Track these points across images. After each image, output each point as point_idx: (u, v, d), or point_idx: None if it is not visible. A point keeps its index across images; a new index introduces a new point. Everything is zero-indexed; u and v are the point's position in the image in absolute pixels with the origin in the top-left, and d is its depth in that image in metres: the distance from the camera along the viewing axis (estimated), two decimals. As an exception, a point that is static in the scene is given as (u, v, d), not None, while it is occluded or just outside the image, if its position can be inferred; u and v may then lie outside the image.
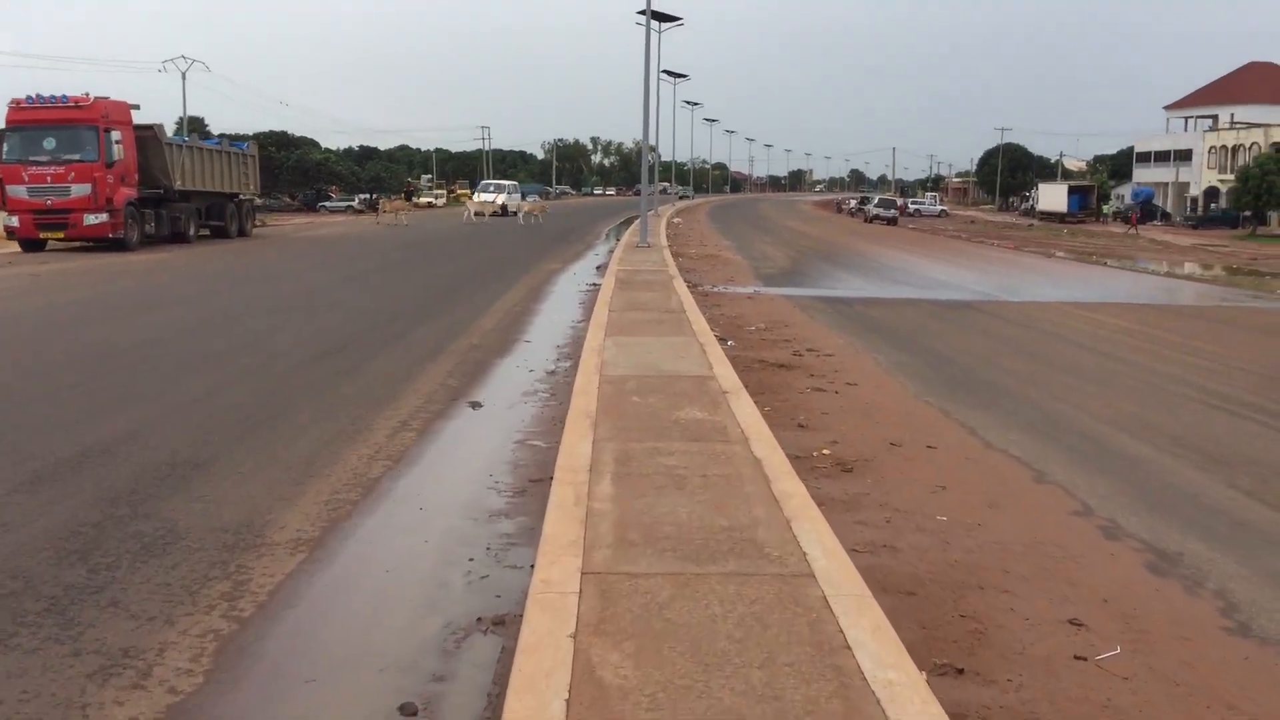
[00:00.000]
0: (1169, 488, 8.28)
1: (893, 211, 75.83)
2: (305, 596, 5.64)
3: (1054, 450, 9.30)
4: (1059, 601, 5.82)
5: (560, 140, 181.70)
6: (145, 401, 10.16)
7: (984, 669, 4.93)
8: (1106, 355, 15.28)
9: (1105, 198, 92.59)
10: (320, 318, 16.59)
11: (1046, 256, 41.40)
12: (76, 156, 28.88)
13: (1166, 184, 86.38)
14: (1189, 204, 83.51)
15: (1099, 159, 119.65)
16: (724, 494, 6.48)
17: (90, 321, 15.92)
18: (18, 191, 28.93)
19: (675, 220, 62.79)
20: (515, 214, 58.27)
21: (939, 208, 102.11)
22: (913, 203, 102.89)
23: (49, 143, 28.96)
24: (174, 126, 71.50)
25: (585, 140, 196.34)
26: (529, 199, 75.99)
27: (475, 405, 10.49)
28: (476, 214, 57.62)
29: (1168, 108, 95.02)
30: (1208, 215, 75.92)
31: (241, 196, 39.00)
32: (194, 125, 78.51)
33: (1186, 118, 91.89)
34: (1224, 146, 79.48)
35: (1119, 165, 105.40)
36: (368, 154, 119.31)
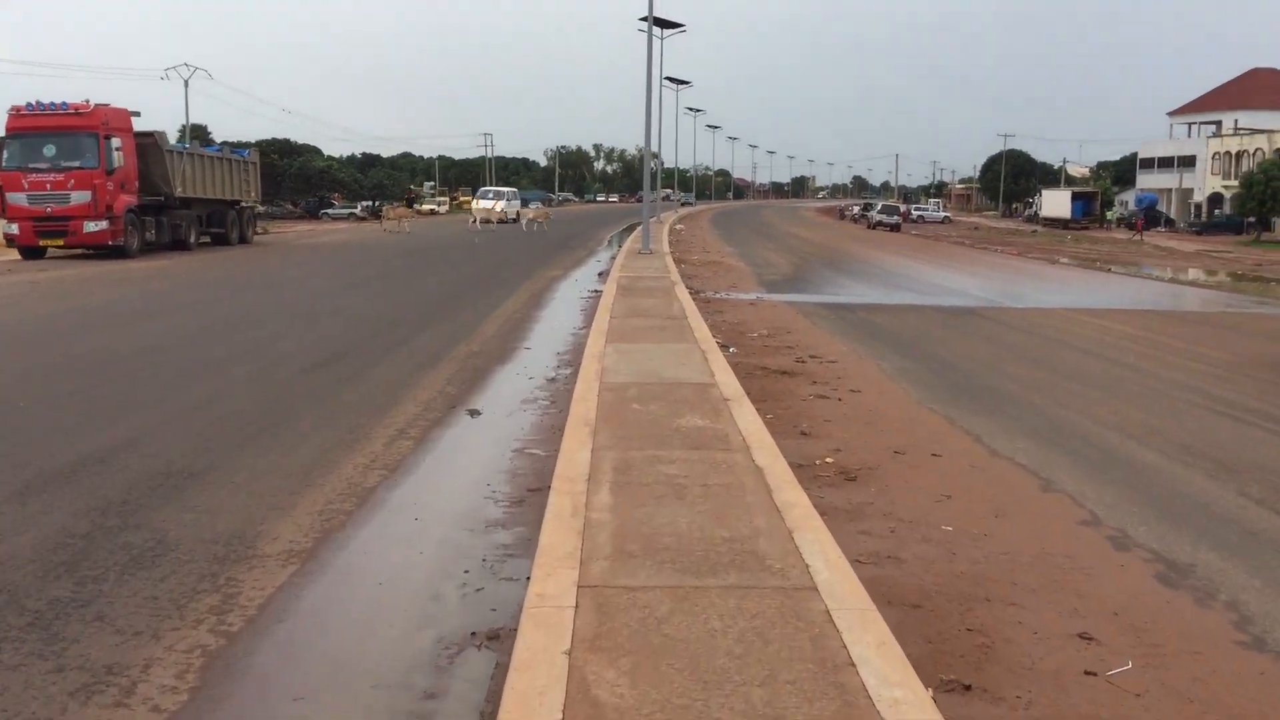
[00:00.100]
0: (1178, 496, 8.14)
1: (896, 218, 75.74)
2: (296, 610, 5.51)
3: (1060, 458, 9.16)
4: (1068, 614, 5.68)
5: (563, 147, 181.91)
6: (143, 409, 10.05)
7: (992, 685, 4.79)
8: (1112, 361, 15.14)
9: (1109, 204, 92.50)
10: (321, 325, 16.48)
11: (1050, 263, 41.25)
12: (77, 164, 28.81)
13: (1170, 190, 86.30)
14: (1193, 210, 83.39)
15: (1102, 165, 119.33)
16: (725, 504, 6.35)
17: (89, 329, 15.82)
18: (17, 199, 28.87)
19: (678, 227, 62.72)
20: (518, 220, 58.17)
21: (942, 214, 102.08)
22: (916, 209, 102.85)
23: (49, 150, 28.89)
24: (177, 134, 71.55)
25: (588, 147, 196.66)
26: (532, 206, 75.92)
27: (474, 413, 10.37)
28: (483, 221, 57.51)
29: (1171, 114, 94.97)
30: (1212, 221, 75.77)
31: (243, 204, 38.95)
32: (197, 132, 78.57)
33: (1190, 124, 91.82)
34: (1228, 152, 79.38)
35: (1122, 171, 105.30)
36: (370, 161, 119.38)
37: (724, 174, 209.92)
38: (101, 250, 29.61)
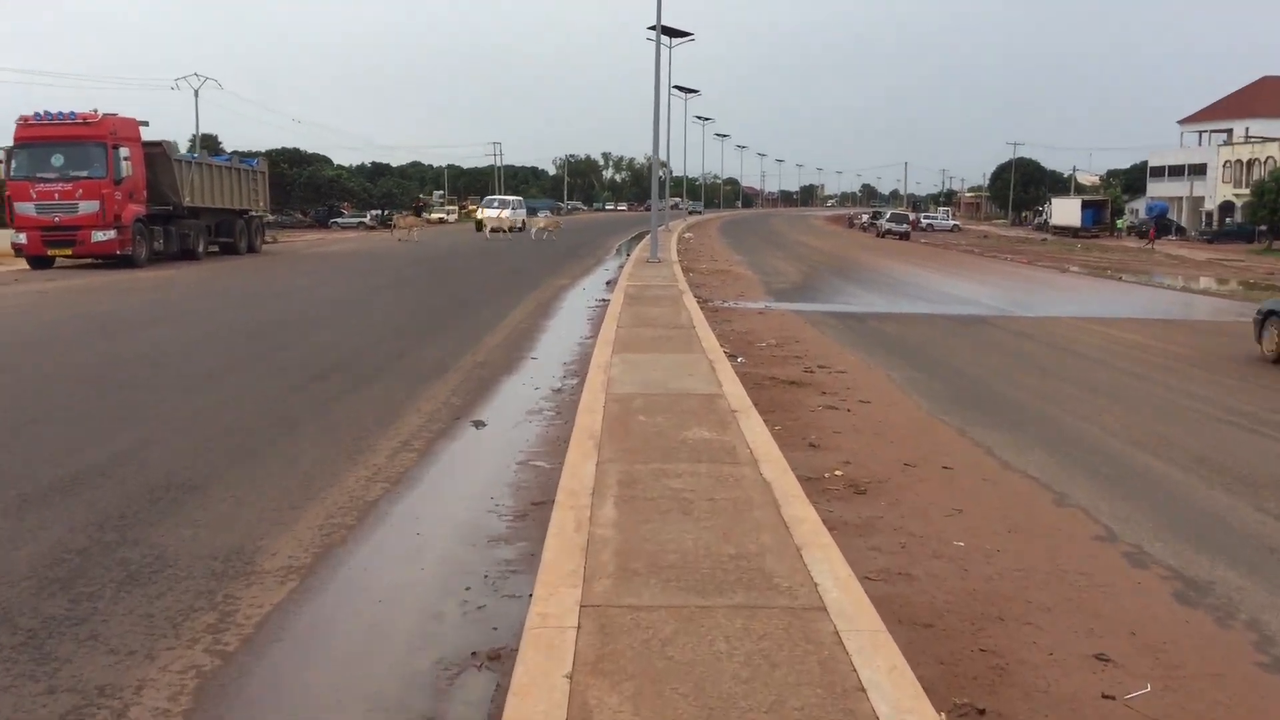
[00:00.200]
0: (1195, 511, 7.98)
1: (905, 226, 75.53)
2: (293, 629, 5.40)
3: (1074, 471, 9.01)
4: (1084, 634, 5.53)
5: (572, 156, 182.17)
6: (145, 420, 9.96)
7: (1006, 709, 4.66)
8: (1124, 371, 14.97)
9: (1119, 212, 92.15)
10: (326, 334, 16.39)
11: (1060, 271, 41.04)
12: (85, 173, 28.80)
13: (1181, 198, 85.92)
14: (1203, 219, 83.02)
15: (1112, 173, 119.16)
16: (732, 519, 6.22)
17: (94, 339, 15.75)
18: (26, 208, 28.86)
19: (686, 235, 62.63)
20: (524, 230, 58.12)
21: (951, 222, 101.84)
22: (925, 217, 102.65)
23: (57, 159, 28.89)
24: (187, 143, 71.82)
25: (597, 156, 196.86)
26: (540, 215, 75.88)
27: (479, 424, 10.26)
28: (493, 230, 57.48)
29: (1182, 122, 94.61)
30: (1223, 230, 75.41)
31: (251, 213, 38.93)
32: (207, 142, 78.82)
33: (1201, 132, 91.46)
34: (1239, 161, 79.04)
35: (1133, 180, 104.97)
36: (380, 170, 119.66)
37: (732, 182, 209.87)
38: (109, 260, 29.58)
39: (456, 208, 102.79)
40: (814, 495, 7.51)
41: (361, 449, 9.05)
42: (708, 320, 17.55)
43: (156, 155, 31.58)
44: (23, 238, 29.19)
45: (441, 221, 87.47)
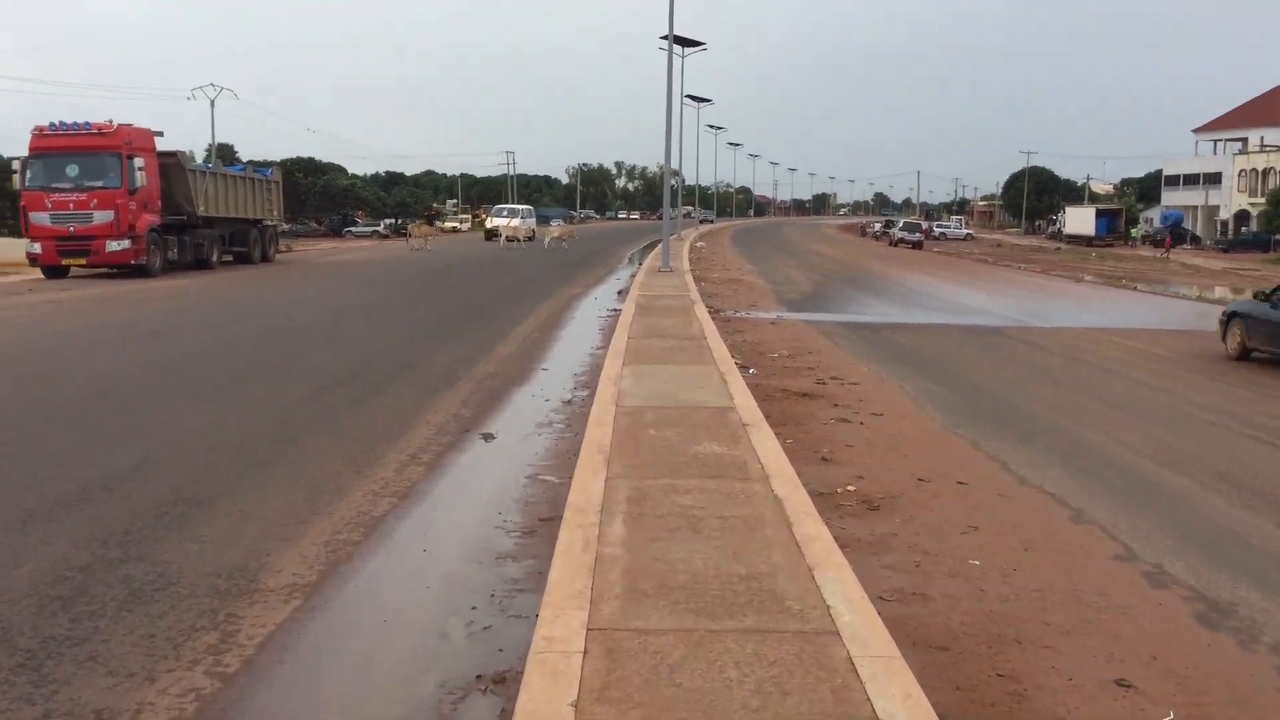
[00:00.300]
0: (1215, 528, 7.83)
1: (918, 235, 75.26)
2: (295, 650, 5.30)
3: (1091, 486, 8.87)
4: (1104, 658, 5.40)
5: (584, 164, 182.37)
6: (153, 432, 9.90)
7: (1025, 737, 4.53)
8: (1139, 383, 14.81)
9: (1133, 221, 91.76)
10: (336, 344, 16.34)
11: (1075, 281, 40.78)
12: (99, 183, 28.86)
13: (1196, 207, 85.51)
14: (1219, 227, 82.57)
15: (1126, 182, 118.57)
16: (742, 538, 6.10)
17: (105, 349, 15.73)
18: (41, 218, 28.94)
19: (698, 244, 62.56)
20: (534, 239, 58.15)
21: (964, 231, 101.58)
22: (938, 226, 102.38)
23: (72, 169, 28.96)
24: (203, 153, 72.13)
25: (610, 165, 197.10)
26: (554, 223, 75.93)
27: (488, 437, 10.17)
28: (509, 239, 57.61)
29: (1196, 130, 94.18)
30: (1238, 239, 74.97)
31: (265, 222, 39.03)
32: (223, 152, 79.16)
33: (1215, 140, 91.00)
34: (1254, 169, 78.62)
35: (1147, 188, 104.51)
36: (394, 179, 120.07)
37: (745, 191, 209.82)
38: (124, 269, 29.63)
39: (470, 216, 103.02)
40: (826, 511, 7.40)
41: (369, 462, 8.97)
42: (719, 331, 17.44)
43: (171, 165, 31.65)
44: (38, 247, 29.26)
45: (455, 230, 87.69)
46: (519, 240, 57.84)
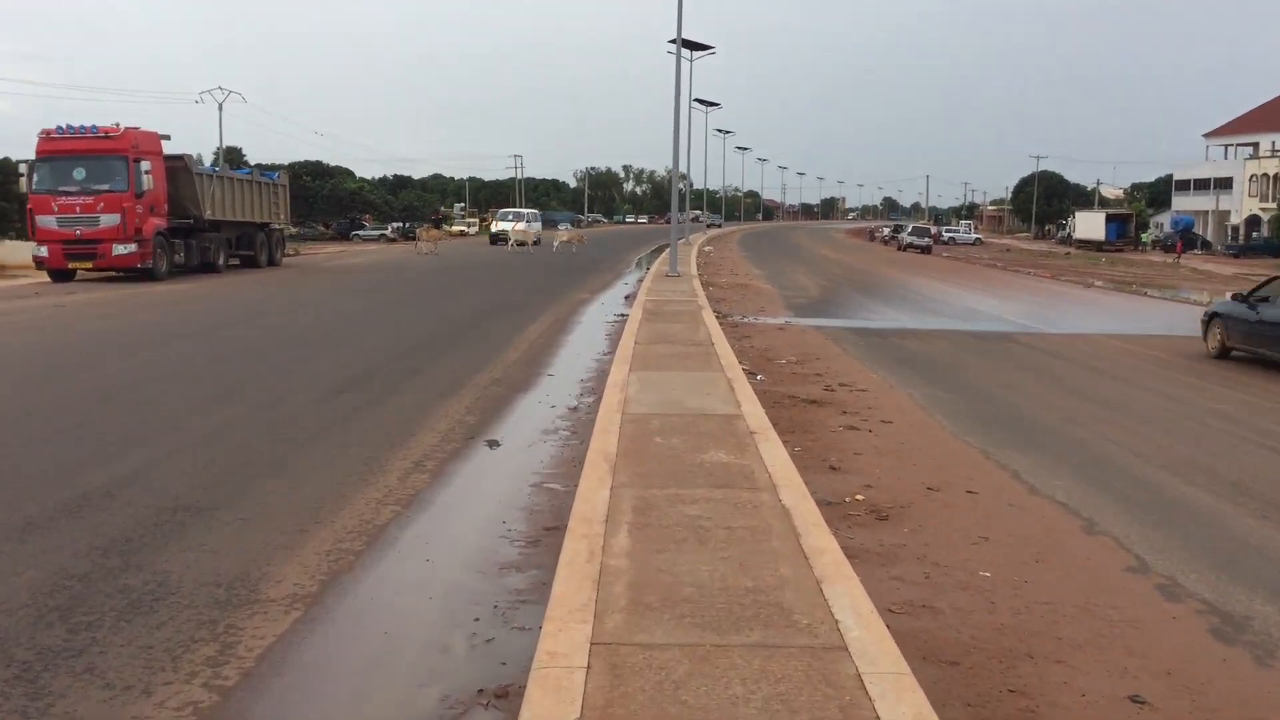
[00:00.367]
0: (1230, 540, 7.71)
1: (927, 240, 75.08)
2: (295, 662, 5.22)
3: (1103, 496, 8.75)
4: (1118, 674, 5.30)
5: (593, 168, 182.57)
6: (154, 439, 9.83)
7: (1038, 757, 4.43)
8: (1151, 390, 14.68)
9: (1144, 226, 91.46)
10: (342, 349, 16.28)
11: (1085, 286, 40.60)
12: (106, 187, 28.86)
13: (1207, 212, 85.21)
14: (1229, 233, 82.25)
15: (1137, 187, 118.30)
16: (749, 550, 6.01)
17: (107, 354, 15.68)
18: (47, 222, 28.95)
19: (706, 249, 62.46)
20: (539, 244, 58.17)
21: (973, 236, 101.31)
22: (947, 231, 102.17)
23: (79, 173, 28.96)
24: (212, 156, 72.36)
25: (618, 168, 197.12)
26: (562, 227, 75.93)
27: (493, 444, 10.09)
28: (519, 244, 57.65)
29: (1207, 135, 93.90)
30: (1249, 244, 74.71)
31: (272, 226, 39.02)
32: (231, 155, 79.40)
33: (1226, 145, 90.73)
34: (1265, 174, 78.32)
35: (1157, 193, 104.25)
36: (402, 183, 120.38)
37: (753, 195, 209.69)
38: (130, 273, 29.63)
39: (478, 220, 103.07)
40: (834, 521, 7.31)
41: (373, 469, 8.90)
42: (727, 336, 17.35)
43: (178, 168, 31.65)
44: (44, 250, 29.26)
45: (462, 234, 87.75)
46: (529, 244, 57.86)
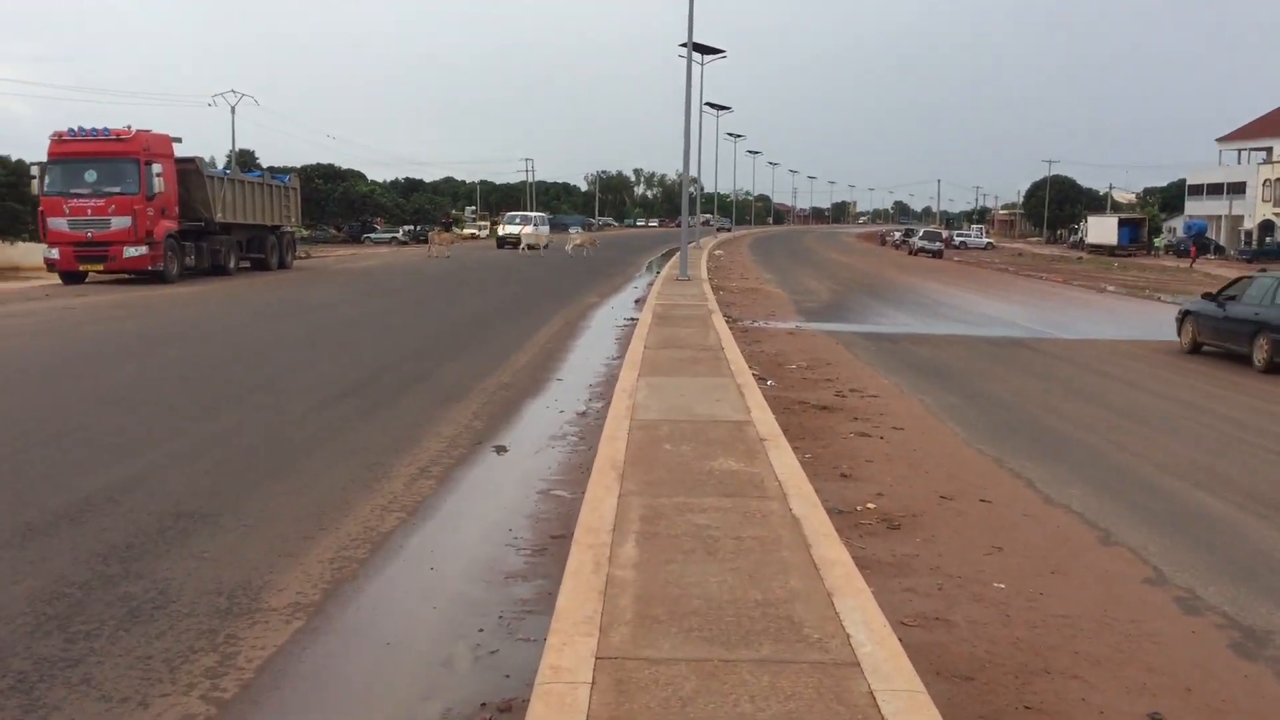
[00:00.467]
0: (1251, 552, 7.57)
1: (938, 244, 74.83)
2: (295, 674, 5.13)
3: (1119, 506, 8.61)
4: (1136, 690, 5.17)
5: (603, 172, 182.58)
6: (158, 443, 9.75)
7: (1055, 777, 4.31)
8: (1169, 398, 14.51)
9: (1157, 231, 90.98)
10: (349, 353, 16.19)
11: (1098, 291, 40.35)
12: (117, 189, 28.84)
13: (1220, 217, 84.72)
14: (1243, 237, 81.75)
15: (1149, 191, 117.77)
16: (759, 561, 5.89)
17: (113, 357, 15.62)
18: (58, 224, 28.94)
19: (716, 253, 62.34)
20: (547, 247, 58.19)
21: (985, 240, 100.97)
22: (958, 235, 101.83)
23: (90, 175, 28.96)
24: (225, 159, 72.48)
25: (628, 172, 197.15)
26: (572, 230, 75.86)
27: (500, 450, 9.99)
28: (529, 247, 57.68)
29: (1220, 140, 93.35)
30: (1262, 248, 74.19)
31: (283, 229, 38.98)
32: (244, 158, 79.50)
33: (1240, 150, 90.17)
34: (1279, 179, 77.79)
35: (1170, 198, 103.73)
36: (413, 186, 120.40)
37: (764, 199, 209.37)
38: (141, 275, 29.60)
39: (489, 224, 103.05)
40: (845, 530, 7.19)
41: (379, 475, 8.81)
42: (737, 341, 17.23)
43: (189, 171, 31.65)
44: (55, 253, 29.26)
45: (473, 237, 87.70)
46: (539, 247, 57.85)
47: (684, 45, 35.62)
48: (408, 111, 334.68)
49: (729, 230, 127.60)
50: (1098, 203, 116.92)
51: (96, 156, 28.95)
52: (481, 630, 5.70)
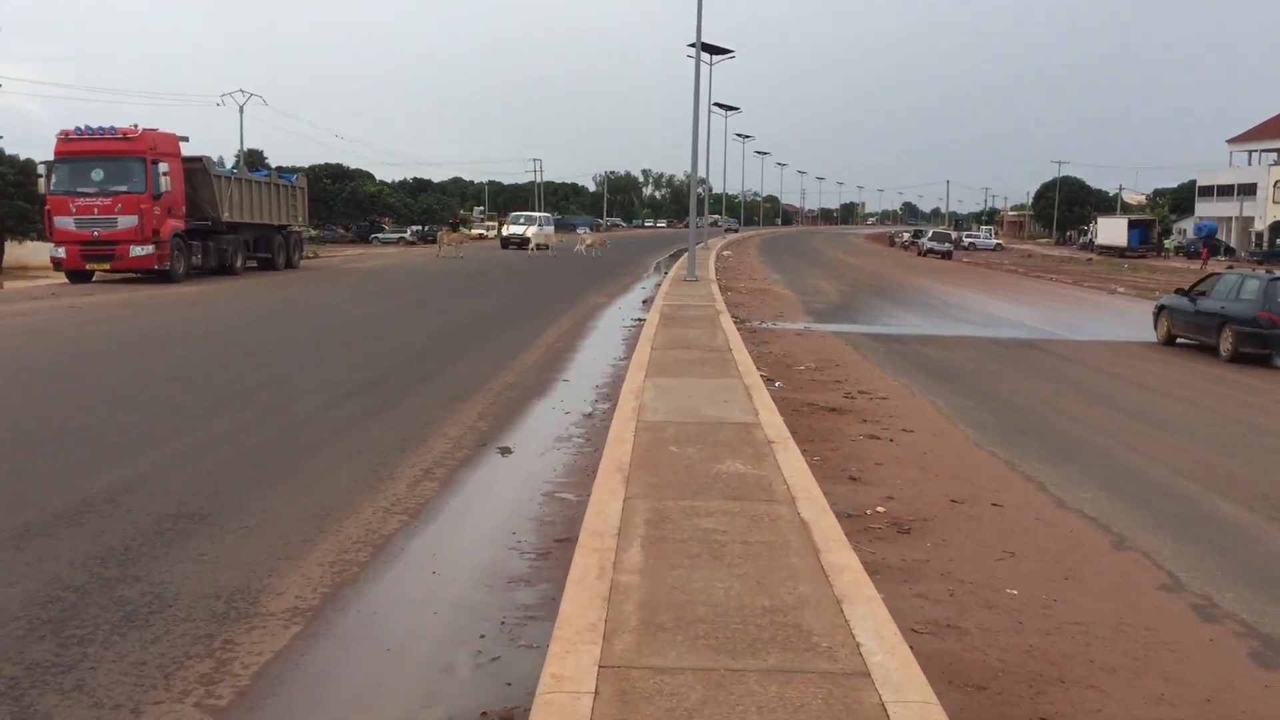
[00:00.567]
0: (1267, 556, 7.43)
1: (947, 245, 74.58)
2: (292, 681, 5.01)
3: (1133, 510, 8.47)
4: (1154, 701, 5.04)
5: (611, 172, 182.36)
6: (160, 443, 9.65)
7: (1072, 792, 4.18)
8: (1182, 400, 14.34)
9: (1167, 232, 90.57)
10: (354, 353, 16.10)
11: (1108, 292, 40.13)
12: (124, 188, 28.80)
13: (1230, 218, 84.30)
14: (1253, 239, 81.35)
15: (1159, 192, 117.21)
16: (767, 566, 5.77)
17: (121, 356, 15.55)
18: (65, 223, 28.91)
19: (725, 253, 62.20)
20: (547, 248, 58.17)
21: (994, 241, 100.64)
22: (967, 236, 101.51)
23: (97, 174, 28.93)
24: (233, 159, 72.51)
25: (636, 173, 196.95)
26: (580, 230, 75.80)
27: (505, 451, 9.88)
28: (538, 246, 57.65)
29: (1231, 141, 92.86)
30: (1273, 250, 73.79)
31: (290, 228, 38.95)
32: (252, 157, 79.55)
33: (1250, 151, 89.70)
34: (1290, 180, 77.39)
35: (1180, 199, 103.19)
36: (421, 186, 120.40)
37: (772, 200, 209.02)
38: (148, 274, 29.58)
39: (496, 224, 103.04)
40: (855, 535, 7.07)
41: (382, 476, 8.70)
42: (745, 342, 17.10)
43: (195, 170, 31.61)
44: (62, 252, 29.23)
45: (481, 237, 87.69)
46: (547, 247, 57.82)
47: (692, 45, 35.50)
48: (415, 112, 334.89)
49: (737, 231, 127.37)
50: (1107, 204, 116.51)
51: (103, 155, 28.92)
52: (483, 636, 5.59)
